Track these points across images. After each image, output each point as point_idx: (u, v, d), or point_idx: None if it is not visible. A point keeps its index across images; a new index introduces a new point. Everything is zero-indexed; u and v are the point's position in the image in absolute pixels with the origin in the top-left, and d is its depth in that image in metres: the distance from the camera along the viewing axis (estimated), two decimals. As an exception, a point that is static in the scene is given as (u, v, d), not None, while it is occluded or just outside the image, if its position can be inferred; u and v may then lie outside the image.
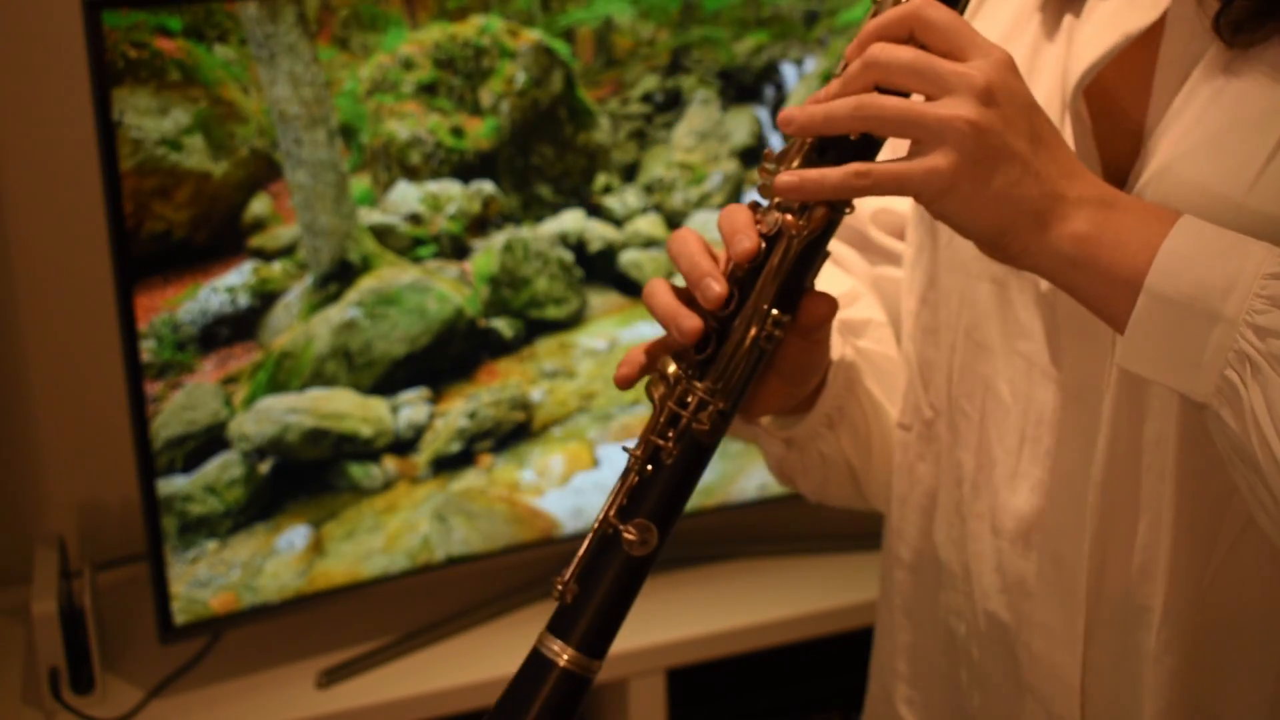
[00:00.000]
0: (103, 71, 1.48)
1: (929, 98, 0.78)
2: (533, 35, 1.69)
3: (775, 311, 0.83)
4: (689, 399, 0.83)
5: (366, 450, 1.71)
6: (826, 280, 1.08)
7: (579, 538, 1.83)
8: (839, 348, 1.02)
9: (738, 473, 1.88)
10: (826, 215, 0.82)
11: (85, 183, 1.72)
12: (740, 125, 1.83)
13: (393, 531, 1.74)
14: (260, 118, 1.58)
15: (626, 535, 0.83)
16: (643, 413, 1.83)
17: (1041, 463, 0.93)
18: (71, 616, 1.61)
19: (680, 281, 0.87)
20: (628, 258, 1.80)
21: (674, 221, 1.81)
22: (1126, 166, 0.87)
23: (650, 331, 1.82)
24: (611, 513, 0.84)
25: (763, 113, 1.83)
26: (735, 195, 1.84)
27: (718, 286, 0.82)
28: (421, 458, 1.74)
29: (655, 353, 0.88)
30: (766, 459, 1.08)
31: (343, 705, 1.67)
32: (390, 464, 1.73)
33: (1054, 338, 0.92)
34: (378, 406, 1.71)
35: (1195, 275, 0.75)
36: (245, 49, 1.55)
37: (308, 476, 1.69)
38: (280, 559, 1.69)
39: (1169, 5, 0.85)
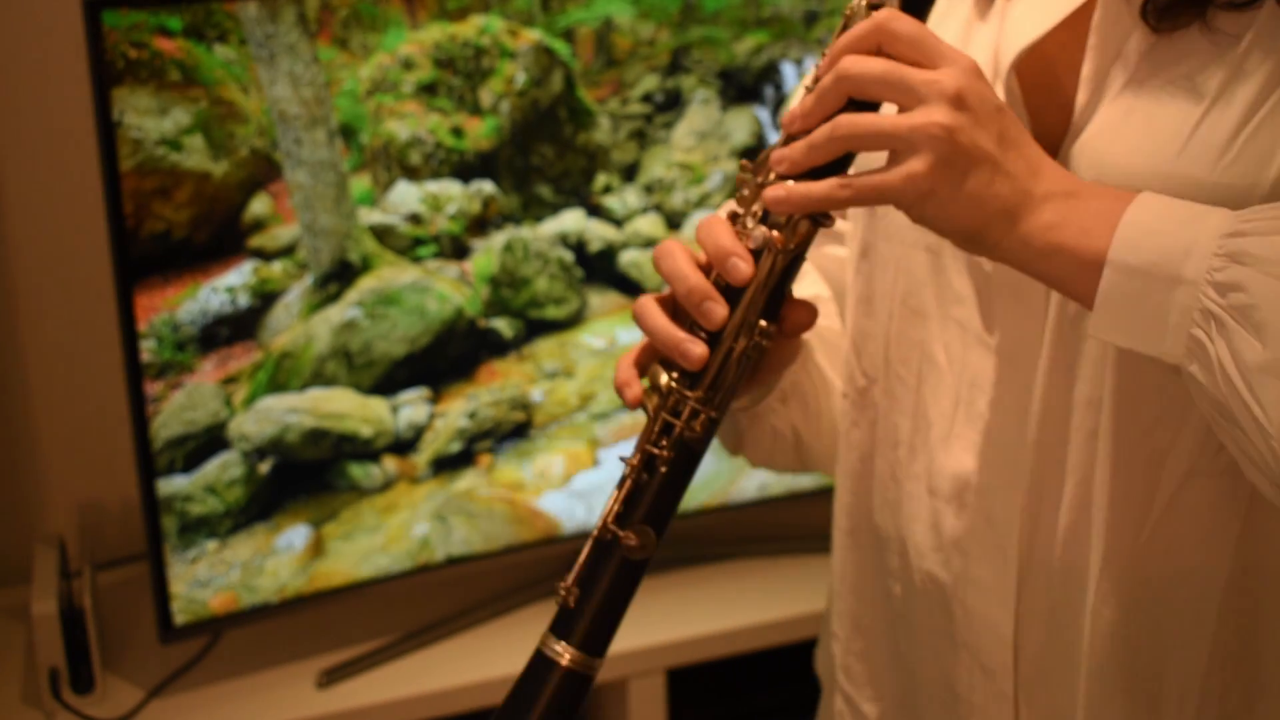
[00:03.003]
0: (103, 71, 1.48)
1: (902, 108, 0.81)
2: (533, 35, 1.69)
3: (763, 323, 0.86)
4: (681, 409, 0.87)
5: (366, 450, 1.71)
6: None
7: (579, 537, 1.84)
8: None
9: (738, 473, 1.88)
10: (810, 229, 0.85)
11: (85, 183, 1.72)
12: (740, 125, 1.83)
13: (393, 531, 1.74)
14: (260, 118, 1.58)
15: (626, 541, 0.86)
16: (642, 416, 1.83)
17: (975, 424, 0.96)
18: (71, 616, 1.61)
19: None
20: (628, 258, 1.80)
21: (674, 221, 1.81)
22: (1057, 138, 0.90)
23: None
24: (610, 519, 0.87)
25: (763, 113, 1.83)
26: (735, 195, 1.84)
27: (721, 310, 0.85)
28: (421, 458, 1.74)
29: (644, 362, 0.91)
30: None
31: (343, 705, 1.67)
32: (390, 464, 1.73)
33: (986, 303, 0.94)
34: (378, 406, 1.71)
35: (1156, 243, 0.78)
36: (245, 49, 1.55)
37: (308, 476, 1.69)
38: (280, 559, 1.69)
39: None
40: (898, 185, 0.80)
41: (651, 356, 0.90)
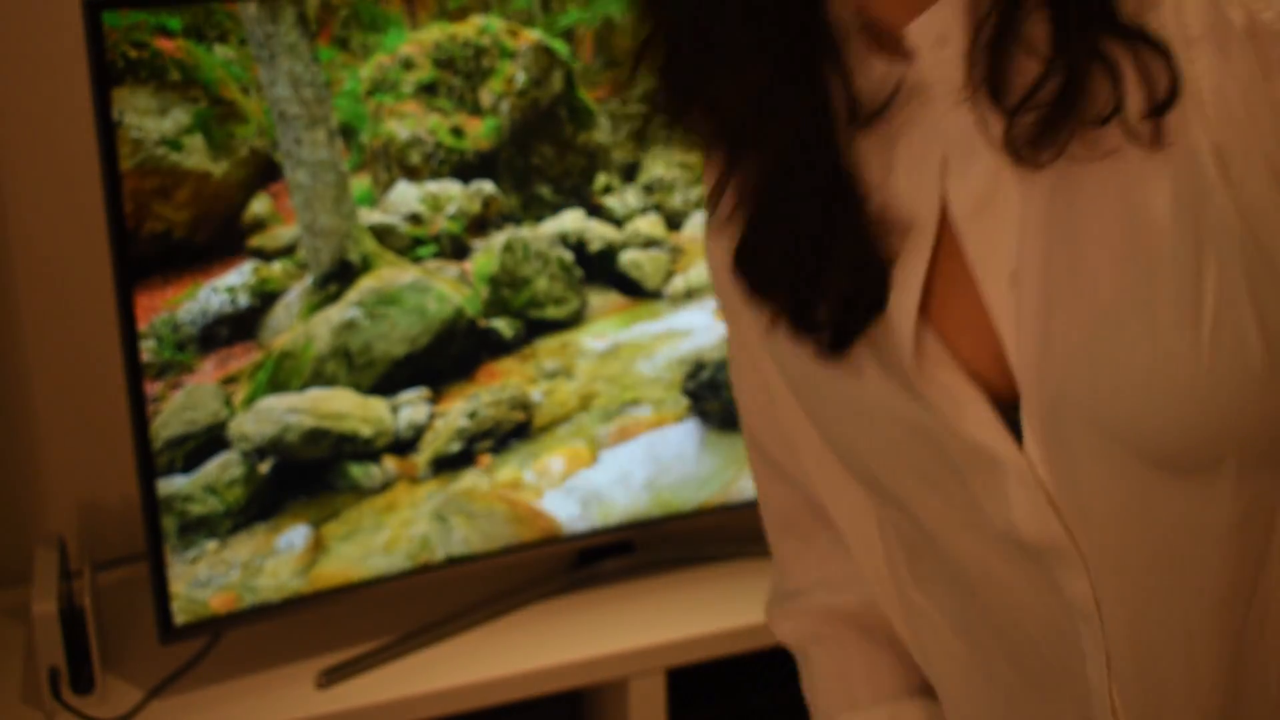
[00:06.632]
0: (103, 71, 1.48)
1: None
2: (533, 35, 1.69)
3: None
4: None
5: (366, 450, 1.71)
6: None
7: (579, 537, 1.84)
8: None
9: (738, 473, 1.88)
10: None
11: (85, 183, 1.72)
12: (740, 125, 1.83)
13: (393, 531, 1.74)
14: (260, 118, 1.58)
15: None
16: (644, 413, 1.83)
17: None
18: (71, 616, 1.61)
19: None
20: (628, 258, 1.80)
21: (674, 222, 1.81)
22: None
23: (650, 329, 1.83)
24: None
25: (763, 113, 1.83)
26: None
27: None
28: (421, 458, 1.74)
29: None
30: None
31: (343, 705, 1.67)
32: (390, 464, 1.73)
33: None
34: (378, 406, 1.71)
35: None
36: (245, 49, 1.55)
37: (308, 476, 1.69)
38: (280, 559, 1.69)
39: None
40: None
41: None
